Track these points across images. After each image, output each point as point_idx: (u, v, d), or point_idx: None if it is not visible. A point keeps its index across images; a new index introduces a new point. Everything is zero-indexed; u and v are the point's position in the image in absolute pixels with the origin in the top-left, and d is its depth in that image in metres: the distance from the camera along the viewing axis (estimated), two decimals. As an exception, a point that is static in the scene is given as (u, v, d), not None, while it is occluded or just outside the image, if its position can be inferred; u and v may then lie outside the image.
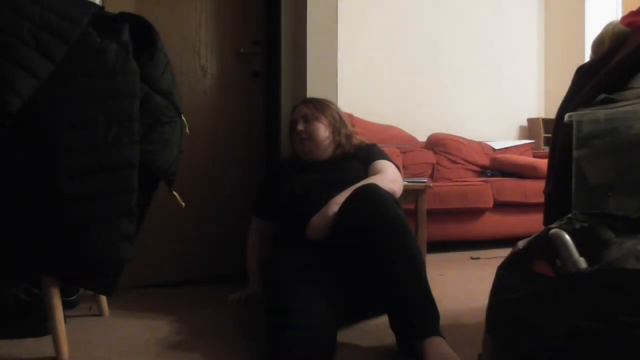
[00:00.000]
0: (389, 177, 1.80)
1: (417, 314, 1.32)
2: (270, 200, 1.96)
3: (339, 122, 1.99)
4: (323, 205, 1.66)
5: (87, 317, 1.77)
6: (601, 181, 1.40)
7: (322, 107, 1.99)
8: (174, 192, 1.57)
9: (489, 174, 3.97)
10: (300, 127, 1.94)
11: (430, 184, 2.67)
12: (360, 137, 2.07)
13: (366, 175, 1.84)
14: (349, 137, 2.00)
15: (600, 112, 1.34)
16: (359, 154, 1.95)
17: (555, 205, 1.58)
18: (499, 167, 4.01)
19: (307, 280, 1.44)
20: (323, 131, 1.94)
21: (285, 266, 1.55)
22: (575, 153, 1.42)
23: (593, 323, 0.84)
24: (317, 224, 1.63)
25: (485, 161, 4.15)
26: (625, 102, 1.33)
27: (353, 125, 3.47)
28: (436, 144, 4.12)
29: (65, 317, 1.38)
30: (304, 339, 1.23)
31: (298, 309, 1.31)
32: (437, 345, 1.25)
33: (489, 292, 1.08)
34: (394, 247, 1.39)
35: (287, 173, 1.94)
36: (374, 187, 1.54)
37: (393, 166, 1.91)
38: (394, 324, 1.37)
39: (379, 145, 2.09)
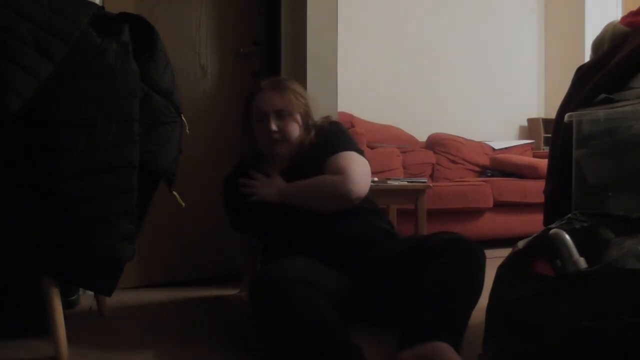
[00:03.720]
0: (352, 179, 1.53)
1: (446, 318, 1.21)
2: (243, 216, 1.72)
3: (308, 115, 1.70)
4: (302, 219, 1.55)
5: (87, 317, 1.76)
6: (601, 181, 1.40)
7: (295, 98, 1.67)
8: (174, 192, 1.57)
9: (489, 174, 3.97)
10: (274, 126, 1.61)
11: (430, 184, 2.67)
12: (317, 123, 1.73)
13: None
14: (310, 130, 1.70)
15: (600, 112, 1.34)
16: (320, 150, 1.64)
17: (555, 205, 1.58)
18: (499, 167, 4.01)
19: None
20: (298, 131, 1.66)
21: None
22: (575, 153, 1.42)
23: (593, 323, 0.84)
24: (266, 194, 1.60)
25: (485, 161, 4.15)
26: (625, 102, 1.33)
27: (353, 126, 3.49)
28: (436, 144, 4.12)
29: (65, 317, 1.38)
30: None
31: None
32: (444, 349, 1.12)
33: (489, 292, 1.08)
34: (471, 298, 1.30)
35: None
36: (473, 249, 1.33)
37: (356, 158, 1.61)
38: (411, 316, 1.24)
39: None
